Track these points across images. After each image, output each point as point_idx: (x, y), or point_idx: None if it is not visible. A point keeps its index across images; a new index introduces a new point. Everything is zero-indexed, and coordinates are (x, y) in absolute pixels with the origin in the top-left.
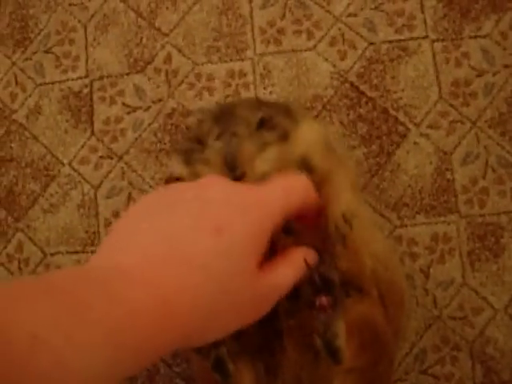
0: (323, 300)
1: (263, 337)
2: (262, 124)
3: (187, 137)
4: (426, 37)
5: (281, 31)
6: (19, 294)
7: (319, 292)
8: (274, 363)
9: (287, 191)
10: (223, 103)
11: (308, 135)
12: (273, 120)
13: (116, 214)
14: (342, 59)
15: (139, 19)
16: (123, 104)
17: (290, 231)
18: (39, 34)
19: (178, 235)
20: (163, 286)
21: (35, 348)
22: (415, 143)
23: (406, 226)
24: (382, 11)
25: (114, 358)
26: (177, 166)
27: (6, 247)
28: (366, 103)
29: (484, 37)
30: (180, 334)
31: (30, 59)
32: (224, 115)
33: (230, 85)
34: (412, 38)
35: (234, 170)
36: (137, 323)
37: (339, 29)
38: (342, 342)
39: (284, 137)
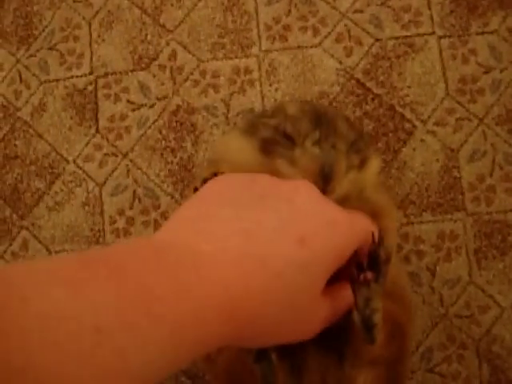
0: (369, 274)
1: None
2: (352, 145)
3: (268, 125)
4: (433, 33)
5: (286, 28)
6: (81, 276)
7: (363, 267)
8: (299, 364)
9: (369, 235)
10: (317, 105)
11: (375, 168)
12: (358, 144)
13: (121, 212)
14: (348, 56)
15: (144, 16)
16: (128, 101)
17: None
18: (43, 30)
19: (260, 234)
20: (233, 286)
21: (99, 343)
22: (422, 140)
23: (413, 223)
24: (389, 7)
25: (173, 355)
26: (244, 148)
27: (11, 245)
28: (373, 100)
29: (491, 33)
30: (234, 336)
31: (35, 56)
32: (324, 123)
33: (235, 82)
34: (418, 35)
35: (328, 182)
36: (199, 321)
37: (345, 25)
38: (379, 318)
39: (363, 164)
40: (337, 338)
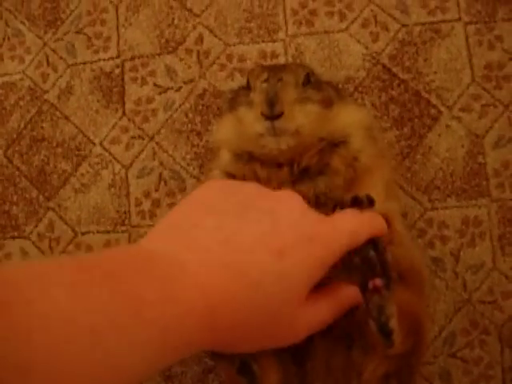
0: (377, 281)
1: None
2: (308, 81)
3: (235, 89)
4: (459, 19)
5: (313, 12)
6: (78, 279)
7: (372, 275)
8: (302, 353)
9: (355, 235)
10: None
11: (353, 116)
12: (320, 84)
13: (147, 194)
14: (375, 41)
15: (171, 0)
16: (154, 84)
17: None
18: (71, 14)
19: (242, 244)
20: (212, 294)
21: (94, 344)
22: (447, 126)
23: (437, 208)
24: None
25: (159, 356)
26: (226, 122)
27: (37, 226)
28: (398, 85)
29: None
30: (216, 342)
31: (62, 40)
32: (275, 66)
33: None
34: (445, 21)
35: (273, 107)
36: (182, 326)
37: (372, 10)
38: (395, 324)
39: (327, 103)
40: (346, 327)
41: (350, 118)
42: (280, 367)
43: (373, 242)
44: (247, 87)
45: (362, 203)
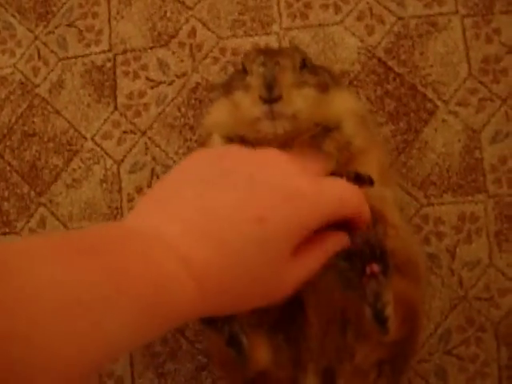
0: (374, 267)
1: (283, 307)
2: (305, 65)
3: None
4: (456, 12)
5: (307, 5)
6: (64, 254)
7: (369, 260)
8: (296, 333)
9: (343, 203)
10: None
11: (347, 102)
12: (316, 69)
13: (139, 190)
14: (370, 34)
15: None
16: (147, 78)
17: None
18: (62, 7)
19: (220, 213)
20: (195, 263)
21: (81, 315)
22: (443, 121)
23: (433, 204)
24: None
25: (146, 327)
26: (219, 105)
27: (28, 222)
28: (394, 79)
29: None
30: (205, 308)
31: (53, 33)
32: (270, 49)
33: None
34: (441, 13)
35: (271, 90)
36: (168, 295)
37: (367, 3)
38: (391, 311)
39: (323, 88)
40: (342, 309)
41: (344, 104)
42: (271, 347)
43: (375, 227)
44: (243, 71)
45: (364, 180)
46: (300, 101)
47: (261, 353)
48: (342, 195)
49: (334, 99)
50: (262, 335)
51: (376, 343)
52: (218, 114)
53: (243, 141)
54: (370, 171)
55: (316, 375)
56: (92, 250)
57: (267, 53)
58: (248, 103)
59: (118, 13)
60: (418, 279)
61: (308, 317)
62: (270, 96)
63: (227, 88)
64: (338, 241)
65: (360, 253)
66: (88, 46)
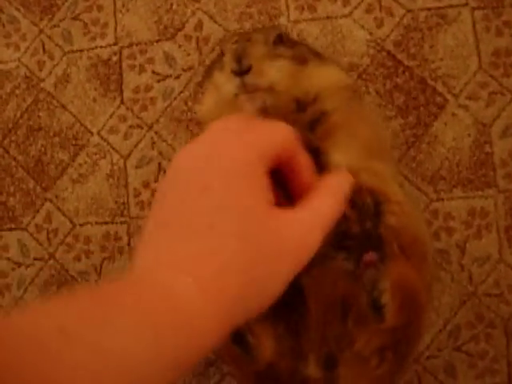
0: (371, 255)
1: (282, 296)
2: (281, 41)
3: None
4: (466, 4)
5: None
6: (94, 315)
7: (366, 248)
8: (296, 322)
9: (271, 132)
10: None
11: (328, 74)
12: (293, 43)
13: (146, 185)
14: (379, 27)
15: None
16: (153, 72)
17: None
18: (67, 0)
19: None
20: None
21: (66, 340)
22: (453, 115)
23: (443, 199)
24: None
25: (155, 340)
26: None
27: (34, 217)
28: (403, 72)
29: None
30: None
31: (58, 26)
32: (247, 31)
33: None
34: (451, 6)
35: (240, 61)
36: (173, 305)
37: None
38: (388, 299)
39: (301, 60)
40: (342, 296)
41: (326, 77)
42: (275, 337)
43: (374, 214)
44: (221, 54)
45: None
46: (273, 72)
47: (266, 344)
48: (267, 126)
49: (314, 72)
50: (267, 327)
51: (376, 330)
52: (206, 100)
53: None
54: (351, 145)
55: (317, 364)
56: (126, 308)
57: (242, 33)
58: (223, 80)
59: (123, 5)
60: (424, 260)
61: (308, 305)
62: (241, 68)
63: (208, 72)
64: (343, 181)
65: (357, 241)
66: (93, 39)
